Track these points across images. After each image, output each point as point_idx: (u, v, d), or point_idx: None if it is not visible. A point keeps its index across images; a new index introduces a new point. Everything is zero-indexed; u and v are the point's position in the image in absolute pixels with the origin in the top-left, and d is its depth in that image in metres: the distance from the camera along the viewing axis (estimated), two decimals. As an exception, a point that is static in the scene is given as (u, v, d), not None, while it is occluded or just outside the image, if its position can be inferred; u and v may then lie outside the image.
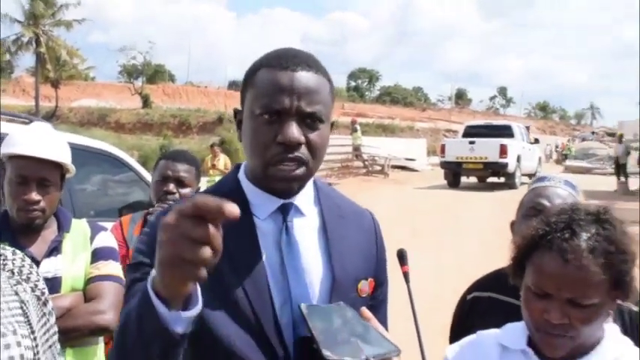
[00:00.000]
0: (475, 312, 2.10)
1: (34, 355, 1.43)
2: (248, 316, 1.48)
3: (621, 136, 26.60)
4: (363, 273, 1.62)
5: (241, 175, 1.61)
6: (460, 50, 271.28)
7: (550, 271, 1.50)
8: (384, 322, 1.66)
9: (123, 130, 51.23)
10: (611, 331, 1.63)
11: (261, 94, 1.49)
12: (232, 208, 1.03)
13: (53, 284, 2.37)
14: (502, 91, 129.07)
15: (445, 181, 21.24)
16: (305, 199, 1.61)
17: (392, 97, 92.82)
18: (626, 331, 1.93)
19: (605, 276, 1.48)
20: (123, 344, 1.29)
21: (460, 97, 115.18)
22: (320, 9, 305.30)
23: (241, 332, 1.48)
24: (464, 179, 21.70)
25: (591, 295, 1.48)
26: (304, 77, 1.49)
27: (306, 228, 1.59)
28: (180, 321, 1.17)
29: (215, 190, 1.66)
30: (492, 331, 1.73)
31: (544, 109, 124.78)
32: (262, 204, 1.57)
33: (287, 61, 1.51)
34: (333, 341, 1.39)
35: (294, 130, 1.46)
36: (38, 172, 2.41)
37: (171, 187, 3.06)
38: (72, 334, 2.38)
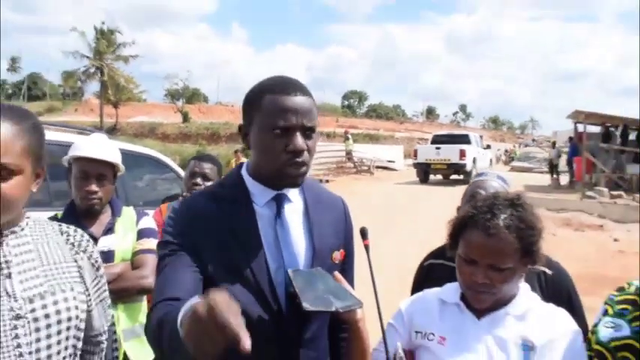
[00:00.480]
0: (430, 276, 2.10)
1: (88, 306, 1.48)
2: (249, 279, 1.51)
3: (554, 143, 26.51)
4: (336, 245, 1.65)
5: (244, 172, 1.63)
6: (430, 75, 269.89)
7: (476, 243, 1.53)
8: (351, 282, 1.69)
9: (167, 139, 51.06)
10: (524, 288, 1.65)
11: (272, 115, 1.51)
12: (245, 344, 0.99)
13: (108, 256, 2.42)
14: (463, 107, 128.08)
15: (417, 178, 21.20)
16: (293, 190, 1.63)
17: (377, 112, 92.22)
18: (541, 289, 1.96)
19: (517, 246, 1.51)
20: (158, 340, 1.33)
21: (430, 113, 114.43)
22: (320, 43, 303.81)
23: (244, 291, 1.50)
24: (432, 176, 21.60)
25: (507, 261, 1.51)
26: (303, 100, 1.53)
27: (294, 212, 1.62)
28: None
29: (222, 183, 1.69)
30: (435, 289, 1.75)
31: (495, 122, 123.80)
32: (260, 194, 1.59)
33: (288, 89, 1.53)
34: (311, 296, 1.41)
35: (300, 141, 1.50)
36: (96, 170, 2.46)
37: (199, 180, 3.08)
38: (122, 293, 2.43)
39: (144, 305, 2.56)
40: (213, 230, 1.54)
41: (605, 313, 1.66)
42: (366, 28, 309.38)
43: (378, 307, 1.50)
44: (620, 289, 1.68)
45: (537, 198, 16.35)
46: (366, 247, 1.62)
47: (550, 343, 1.50)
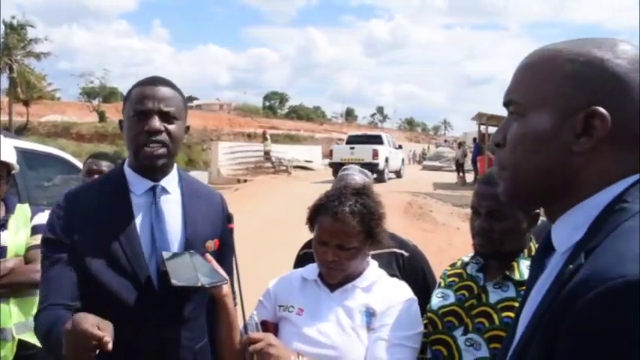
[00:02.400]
0: (304, 262, 2.22)
1: None
2: (125, 266, 1.63)
3: (460, 143, 27.73)
4: (211, 235, 1.78)
5: (125, 165, 1.76)
6: (349, 78, 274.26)
7: (325, 227, 1.72)
8: (229, 268, 1.80)
9: (83, 140, 48.91)
10: (372, 265, 1.85)
11: (133, 102, 1.66)
12: (106, 342, 1.32)
13: (0, 252, 2.47)
14: (380, 109, 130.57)
15: (333, 177, 21.53)
16: (169, 181, 1.76)
17: (298, 114, 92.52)
18: (399, 268, 2.21)
19: (360, 229, 1.70)
20: (47, 346, 1.61)
21: (349, 114, 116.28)
22: (242, 45, 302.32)
23: (120, 278, 1.62)
24: (347, 175, 21.93)
25: (352, 242, 1.70)
26: (162, 89, 1.67)
27: (170, 202, 1.74)
28: None
29: (107, 175, 1.85)
30: (300, 269, 1.93)
31: (410, 123, 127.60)
32: (138, 185, 1.71)
33: (151, 81, 1.69)
34: (180, 274, 1.55)
35: (155, 122, 1.63)
36: None
37: (96, 177, 3.12)
38: (16, 287, 2.48)
39: (36, 300, 2.61)
40: (92, 222, 1.65)
41: (439, 285, 1.93)
42: (288, 31, 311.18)
43: (239, 285, 1.68)
44: (453, 265, 1.96)
45: (445, 195, 17.13)
46: (231, 231, 1.79)
47: (388, 309, 1.72)
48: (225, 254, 1.84)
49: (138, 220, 1.68)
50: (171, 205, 1.74)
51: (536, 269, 0.98)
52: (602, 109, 0.83)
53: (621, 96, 0.84)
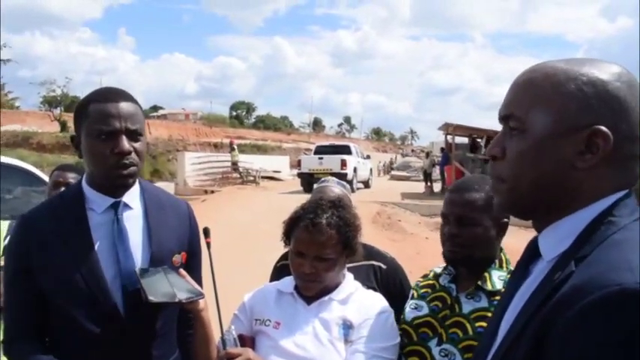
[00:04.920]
0: (282, 274, 2.25)
1: None
2: (84, 292, 1.57)
3: (427, 152, 28.06)
4: (177, 248, 1.74)
5: (83, 182, 1.69)
6: (317, 88, 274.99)
7: (303, 238, 1.74)
8: (199, 279, 1.80)
9: (44, 150, 47.89)
10: (348, 277, 1.88)
11: (97, 121, 1.57)
12: None
13: None
14: (347, 119, 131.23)
15: (302, 188, 21.61)
16: (131, 196, 1.70)
17: (265, 123, 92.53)
18: (377, 280, 2.23)
19: (337, 240, 1.74)
20: None
21: (317, 124, 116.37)
22: (208, 54, 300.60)
23: (79, 304, 1.57)
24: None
25: (329, 253, 1.73)
26: (126, 106, 1.60)
27: (133, 218, 1.68)
28: None
29: (62, 194, 1.79)
30: (275, 282, 1.94)
31: (378, 133, 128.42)
32: (99, 201, 1.65)
33: (111, 96, 1.60)
34: (156, 290, 1.54)
35: (125, 143, 1.57)
36: None
37: (62, 190, 3.04)
38: None
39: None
40: (49, 247, 1.60)
41: (412, 297, 1.96)
42: (255, 41, 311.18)
43: (217, 299, 1.67)
44: (425, 276, 1.99)
45: (413, 204, 17.28)
46: (208, 245, 1.79)
47: (365, 321, 1.74)
48: (194, 266, 1.82)
49: (99, 241, 1.62)
50: (134, 222, 1.69)
51: (519, 275, 1.03)
52: (605, 129, 0.89)
53: (619, 118, 0.90)
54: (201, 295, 1.64)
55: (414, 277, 2.16)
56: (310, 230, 1.73)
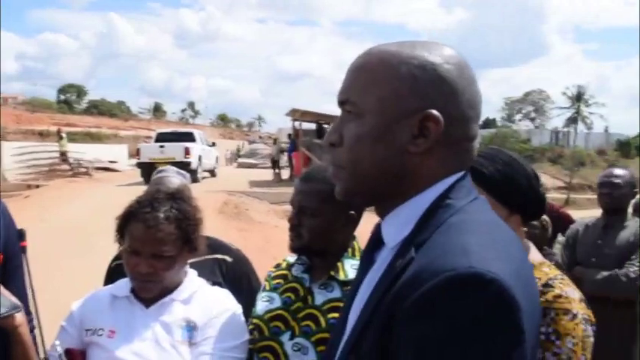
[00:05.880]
0: (117, 275, 2.14)
1: None
2: None
3: (275, 139, 28.45)
4: None
5: None
6: (158, 70, 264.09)
7: (138, 235, 1.62)
8: (21, 286, 1.64)
9: None
10: (191, 274, 1.80)
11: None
12: None
13: None
14: (191, 105, 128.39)
15: (142, 179, 20.75)
16: None
17: (99, 109, 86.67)
18: (222, 275, 2.16)
19: (177, 236, 1.64)
20: None
21: (157, 110, 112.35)
22: (31, 30, 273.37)
23: None
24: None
25: (168, 250, 1.63)
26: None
27: None
28: None
29: None
30: (109, 286, 1.81)
31: (224, 119, 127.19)
32: None
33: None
34: None
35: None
36: None
37: None
38: None
39: None
40: None
41: (264, 288, 1.91)
42: (86, 16, 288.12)
43: (36, 311, 1.50)
44: (277, 266, 1.95)
45: (261, 192, 17.44)
46: (23, 248, 1.59)
47: (210, 320, 1.67)
48: (12, 275, 1.64)
49: None
50: None
51: (366, 264, 1.03)
52: (436, 113, 0.90)
53: (450, 100, 0.91)
54: (17, 307, 1.45)
55: (264, 268, 2.11)
56: (146, 225, 1.62)
